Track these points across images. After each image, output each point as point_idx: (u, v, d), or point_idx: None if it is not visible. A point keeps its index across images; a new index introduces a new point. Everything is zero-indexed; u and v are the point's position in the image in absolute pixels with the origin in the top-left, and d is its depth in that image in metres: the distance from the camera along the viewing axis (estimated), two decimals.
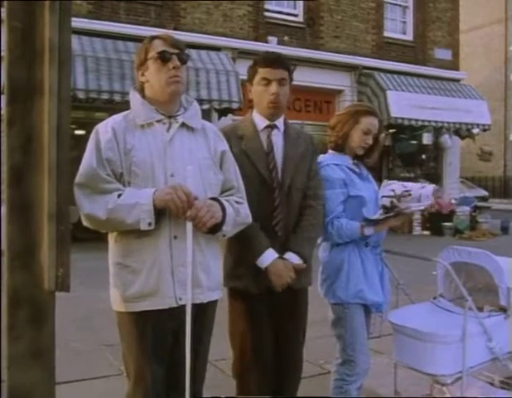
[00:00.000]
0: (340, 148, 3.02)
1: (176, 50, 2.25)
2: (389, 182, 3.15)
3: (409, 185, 3.09)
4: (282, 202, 2.69)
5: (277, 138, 2.78)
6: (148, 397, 2.22)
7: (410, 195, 2.94)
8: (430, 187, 3.02)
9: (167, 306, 2.18)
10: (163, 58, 2.22)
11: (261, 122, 2.78)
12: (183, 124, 2.29)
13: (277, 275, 2.61)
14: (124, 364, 2.34)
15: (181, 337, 2.20)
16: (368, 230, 2.85)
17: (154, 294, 2.17)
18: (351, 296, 2.89)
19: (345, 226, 2.84)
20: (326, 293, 2.97)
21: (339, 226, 2.84)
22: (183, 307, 2.16)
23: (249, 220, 2.43)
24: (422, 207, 2.97)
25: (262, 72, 2.73)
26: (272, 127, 2.78)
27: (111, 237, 2.27)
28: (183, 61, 2.27)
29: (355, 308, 2.92)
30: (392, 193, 2.96)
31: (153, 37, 2.30)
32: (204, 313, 2.27)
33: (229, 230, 2.31)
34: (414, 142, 15.30)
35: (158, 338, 2.22)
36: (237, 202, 2.36)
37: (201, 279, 2.23)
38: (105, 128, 2.22)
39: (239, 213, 2.34)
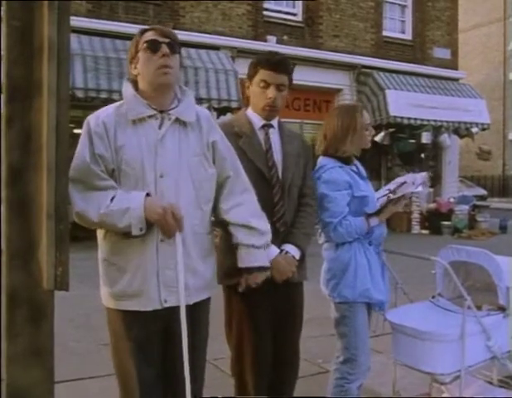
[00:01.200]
0: (347, 154, 3.03)
1: (167, 39, 2.20)
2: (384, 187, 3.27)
3: (402, 178, 3.17)
4: (281, 199, 2.71)
5: (275, 136, 2.81)
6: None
7: (406, 182, 3.01)
8: (423, 174, 3.12)
9: (151, 308, 2.17)
10: (152, 47, 2.17)
11: (257, 120, 2.79)
12: (176, 120, 2.23)
13: (279, 271, 2.63)
14: (113, 363, 2.31)
15: (170, 339, 2.20)
16: (373, 221, 2.95)
17: (138, 295, 2.16)
18: (358, 295, 2.91)
19: (353, 223, 2.89)
20: (331, 292, 2.97)
21: (348, 225, 2.88)
22: (169, 309, 2.15)
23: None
24: (420, 189, 3.03)
25: (262, 74, 2.71)
26: (268, 126, 2.79)
27: (99, 233, 2.26)
28: (173, 50, 2.21)
29: (360, 306, 2.94)
30: (387, 192, 3.03)
31: (144, 30, 2.27)
32: (192, 314, 2.21)
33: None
34: (413, 141, 15.29)
35: (144, 339, 2.21)
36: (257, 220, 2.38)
37: (187, 280, 2.17)
38: (96, 122, 2.18)
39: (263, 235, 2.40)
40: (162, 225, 2.07)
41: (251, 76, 2.77)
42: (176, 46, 2.23)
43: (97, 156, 2.13)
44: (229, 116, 11.56)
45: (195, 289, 2.24)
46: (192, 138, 2.27)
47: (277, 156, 2.77)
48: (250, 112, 2.82)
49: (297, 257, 2.72)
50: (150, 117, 2.20)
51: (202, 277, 2.29)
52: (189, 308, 2.16)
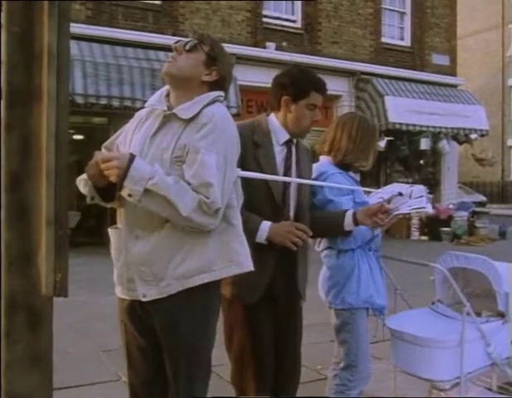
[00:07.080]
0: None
1: (188, 39, 2.21)
2: (377, 190, 3.29)
3: (397, 187, 3.15)
4: (290, 219, 2.67)
5: (293, 156, 2.75)
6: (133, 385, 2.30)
7: (401, 194, 3.00)
8: (421, 187, 3.10)
9: (129, 297, 2.18)
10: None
11: (282, 134, 2.70)
12: (174, 116, 2.15)
13: (280, 234, 2.54)
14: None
15: (159, 336, 2.18)
16: (376, 230, 2.98)
17: (119, 284, 2.22)
18: (362, 301, 2.90)
19: (360, 230, 2.89)
20: (334, 299, 2.95)
21: (356, 230, 2.88)
22: (149, 303, 2.12)
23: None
24: (423, 205, 3.00)
25: (314, 97, 2.69)
26: (291, 141, 2.74)
27: None
28: (189, 49, 2.19)
29: (362, 312, 2.94)
30: (381, 200, 3.02)
31: None
32: (164, 308, 2.12)
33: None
34: (412, 147, 15.31)
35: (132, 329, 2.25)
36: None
37: (146, 273, 2.10)
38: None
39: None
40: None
41: (299, 97, 2.68)
42: (196, 45, 2.20)
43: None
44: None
45: (162, 282, 2.11)
46: (184, 136, 2.12)
47: (293, 175, 2.72)
48: (275, 123, 2.72)
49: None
50: (155, 111, 2.22)
51: (161, 268, 2.14)
52: (160, 301, 2.10)
